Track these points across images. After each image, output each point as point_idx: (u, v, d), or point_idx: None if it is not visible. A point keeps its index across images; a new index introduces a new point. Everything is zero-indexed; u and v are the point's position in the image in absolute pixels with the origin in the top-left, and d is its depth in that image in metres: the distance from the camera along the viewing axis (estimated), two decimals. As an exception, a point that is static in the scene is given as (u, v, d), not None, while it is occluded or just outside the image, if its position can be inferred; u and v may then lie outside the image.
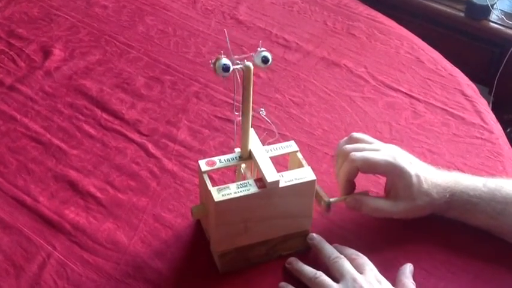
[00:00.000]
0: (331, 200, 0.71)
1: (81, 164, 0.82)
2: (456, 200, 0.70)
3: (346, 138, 0.75)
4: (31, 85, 0.96)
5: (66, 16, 1.11)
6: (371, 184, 0.78)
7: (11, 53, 1.02)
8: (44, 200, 0.77)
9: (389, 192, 0.72)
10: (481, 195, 0.70)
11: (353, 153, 0.70)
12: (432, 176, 0.71)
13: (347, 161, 0.70)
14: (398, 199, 0.70)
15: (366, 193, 0.72)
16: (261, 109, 0.70)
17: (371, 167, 0.70)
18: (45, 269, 0.69)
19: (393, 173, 0.70)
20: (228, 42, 0.60)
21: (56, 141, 0.86)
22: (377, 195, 0.75)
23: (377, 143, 0.73)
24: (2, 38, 1.05)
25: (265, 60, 0.61)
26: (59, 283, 0.68)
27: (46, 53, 1.02)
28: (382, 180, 0.76)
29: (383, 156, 0.70)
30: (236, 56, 0.59)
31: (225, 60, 0.59)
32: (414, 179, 0.69)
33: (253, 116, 0.65)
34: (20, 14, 1.11)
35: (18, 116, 0.90)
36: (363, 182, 0.79)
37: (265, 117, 0.71)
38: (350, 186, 0.72)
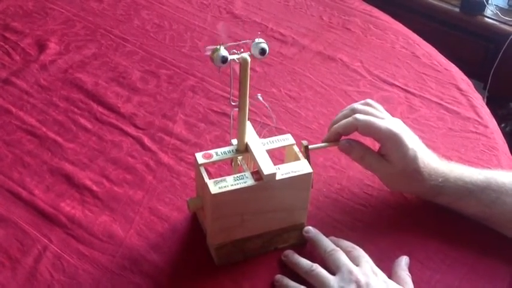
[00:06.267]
0: (311, 146, 0.71)
1: (77, 158, 0.82)
2: (449, 186, 0.71)
3: (361, 101, 0.76)
4: (26, 79, 0.95)
5: (61, 10, 1.11)
6: (365, 177, 0.79)
7: (5, 46, 1.02)
8: (40, 193, 0.77)
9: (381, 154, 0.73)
10: (476, 182, 0.71)
11: (359, 114, 0.71)
12: (429, 158, 0.72)
13: (351, 117, 0.72)
14: (388, 162, 0.71)
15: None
16: (258, 94, 0.70)
17: (371, 131, 0.71)
18: (41, 262, 0.69)
19: (391, 141, 0.70)
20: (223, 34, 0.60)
21: (52, 135, 0.86)
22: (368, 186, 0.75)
23: (386, 114, 0.74)
24: (-3, 32, 1.05)
25: (262, 52, 0.61)
26: (55, 276, 0.68)
27: (41, 47, 1.01)
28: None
29: (386, 124, 0.70)
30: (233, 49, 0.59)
31: (223, 52, 0.59)
32: (410, 152, 0.70)
33: (249, 108, 0.65)
34: (15, 7, 1.11)
35: (14, 109, 0.90)
36: (357, 175, 0.79)
37: (262, 101, 0.70)
38: (336, 137, 0.73)
